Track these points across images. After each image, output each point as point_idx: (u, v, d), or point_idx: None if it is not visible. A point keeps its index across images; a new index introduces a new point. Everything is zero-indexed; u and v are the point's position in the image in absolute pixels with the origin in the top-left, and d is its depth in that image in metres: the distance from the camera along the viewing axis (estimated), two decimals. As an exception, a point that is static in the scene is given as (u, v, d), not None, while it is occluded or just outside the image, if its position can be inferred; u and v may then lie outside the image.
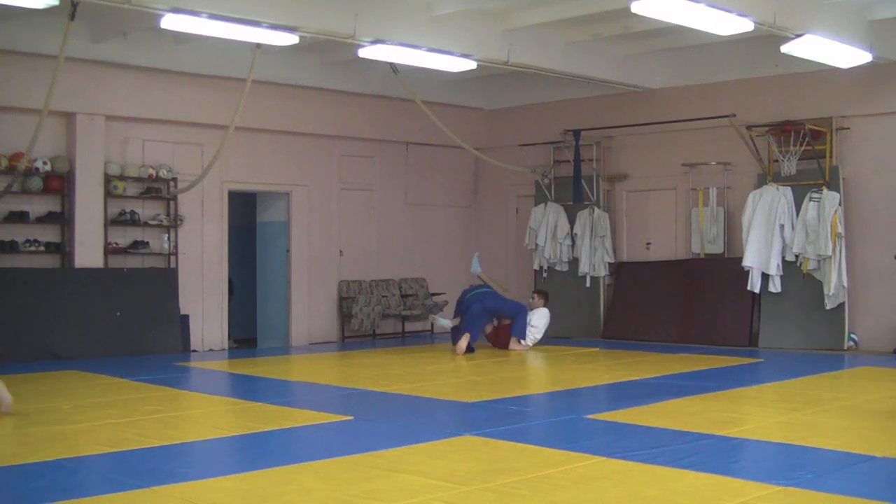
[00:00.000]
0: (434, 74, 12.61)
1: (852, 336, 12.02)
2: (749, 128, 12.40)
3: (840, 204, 11.83)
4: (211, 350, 12.62)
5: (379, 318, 14.09)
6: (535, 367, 10.89)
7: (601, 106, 14.30)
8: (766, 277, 12.24)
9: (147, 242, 12.10)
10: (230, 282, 13.16)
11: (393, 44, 10.32)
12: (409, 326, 14.90)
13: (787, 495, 4.80)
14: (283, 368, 11.13)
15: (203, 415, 7.74)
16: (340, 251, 14.20)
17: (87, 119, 11.55)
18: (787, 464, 5.61)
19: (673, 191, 13.79)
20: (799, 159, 12.15)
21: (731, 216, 13.06)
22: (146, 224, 12.09)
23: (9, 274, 10.93)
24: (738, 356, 11.38)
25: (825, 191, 11.87)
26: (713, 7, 8.77)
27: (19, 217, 11.12)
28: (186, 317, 12.29)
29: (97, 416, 7.29)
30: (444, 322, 12.75)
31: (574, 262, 14.24)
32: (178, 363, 11.02)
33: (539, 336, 12.43)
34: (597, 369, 10.59)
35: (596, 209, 14.02)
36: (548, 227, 14.31)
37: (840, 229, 11.75)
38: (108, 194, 11.72)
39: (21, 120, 10.90)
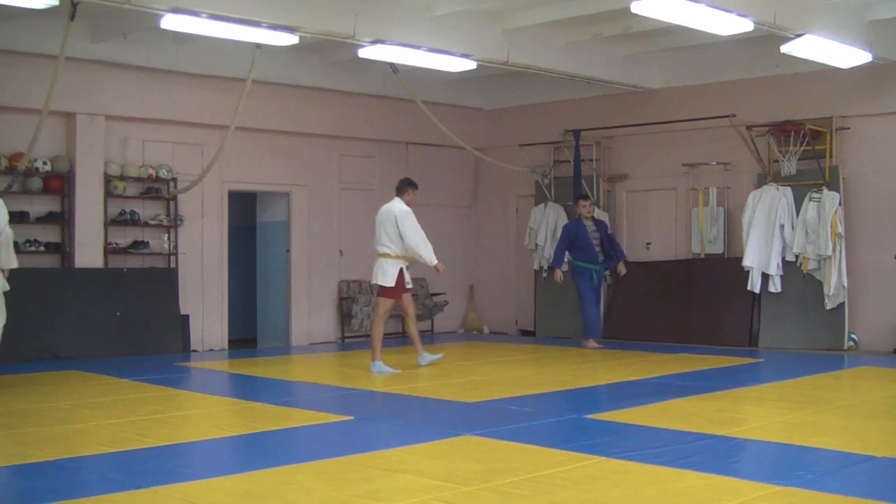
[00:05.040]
0: (434, 74, 12.60)
1: (852, 336, 12.01)
2: (749, 128, 12.40)
3: (840, 204, 11.82)
4: (211, 350, 12.62)
5: (379, 318, 14.06)
6: (534, 367, 10.88)
7: (601, 106, 14.29)
8: (766, 277, 12.23)
9: (147, 242, 12.10)
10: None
11: (393, 44, 10.32)
12: (409, 326, 14.87)
13: (787, 495, 4.80)
14: (283, 368, 11.13)
15: (203, 415, 7.73)
16: (340, 251, 14.20)
17: (87, 119, 11.54)
18: (787, 464, 5.61)
19: (673, 191, 13.79)
20: (799, 159, 12.14)
21: (731, 216, 13.05)
22: (146, 224, 12.09)
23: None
24: (738, 356, 11.37)
25: (825, 191, 11.87)
26: (713, 7, 8.77)
27: (19, 217, 11.09)
28: (186, 317, 12.29)
29: (97, 416, 7.29)
30: None
31: (574, 263, 14.21)
32: (178, 363, 11.02)
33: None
34: (597, 369, 10.58)
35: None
36: (548, 227, 14.29)
37: (840, 229, 11.74)
38: (108, 194, 11.72)
39: (21, 120, 10.90)
